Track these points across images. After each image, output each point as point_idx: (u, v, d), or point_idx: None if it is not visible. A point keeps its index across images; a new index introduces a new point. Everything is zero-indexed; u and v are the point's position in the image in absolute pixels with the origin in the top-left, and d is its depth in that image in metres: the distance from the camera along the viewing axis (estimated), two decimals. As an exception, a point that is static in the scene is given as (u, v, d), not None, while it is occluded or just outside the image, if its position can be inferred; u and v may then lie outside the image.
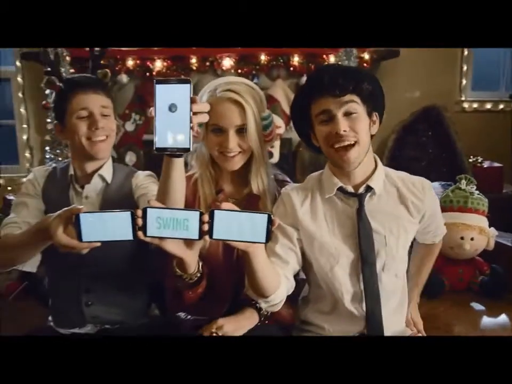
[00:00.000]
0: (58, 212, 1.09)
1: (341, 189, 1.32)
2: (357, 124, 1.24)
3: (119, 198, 1.42)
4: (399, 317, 1.41)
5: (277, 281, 1.22)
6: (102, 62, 1.48)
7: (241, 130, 1.37)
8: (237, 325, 1.32)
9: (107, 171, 1.45)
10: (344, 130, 1.22)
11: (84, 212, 1.00)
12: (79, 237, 1.01)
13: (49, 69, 1.40)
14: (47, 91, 3.14)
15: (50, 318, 1.51)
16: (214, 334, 1.29)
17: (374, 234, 1.30)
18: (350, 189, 1.32)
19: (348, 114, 1.24)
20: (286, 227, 1.32)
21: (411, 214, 1.34)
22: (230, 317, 1.35)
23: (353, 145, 1.24)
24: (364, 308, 1.31)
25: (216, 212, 0.98)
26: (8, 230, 1.35)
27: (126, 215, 0.99)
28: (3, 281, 2.37)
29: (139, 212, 0.96)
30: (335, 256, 1.31)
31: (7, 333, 1.51)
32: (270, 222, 0.98)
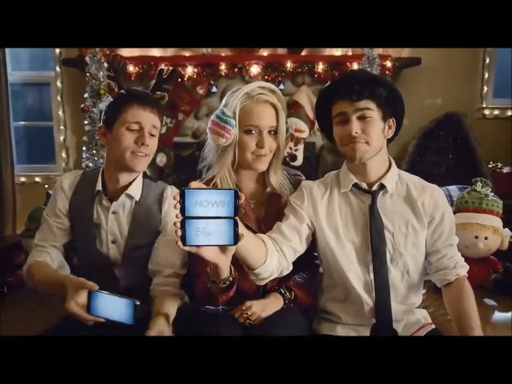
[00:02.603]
0: (77, 280, 1.27)
1: (356, 185, 1.43)
2: (368, 128, 1.35)
3: (147, 216, 1.49)
4: (409, 312, 1.47)
5: (261, 255, 1.27)
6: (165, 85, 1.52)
7: (271, 132, 1.50)
8: (263, 307, 1.43)
9: (135, 189, 1.48)
10: (356, 132, 1.34)
11: (95, 291, 1.23)
12: (88, 310, 1.23)
13: (112, 74, 1.49)
14: (86, 95, 3.33)
15: None
16: (244, 315, 1.41)
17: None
18: (364, 185, 1.43)
19: (361, 118, 1.36)
20: (299, 210, 1.44)
21: (419, 214, 1.42)
22: (257, 300, 1.47)
23: (362, 143, 1.35)
24: (375, 297, 1.40)
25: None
26: (37, 253, 1.48)
27: (129, 303, 1.21)
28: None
29: (178, 224, 0.98)
30: (347, 247, 1.42)
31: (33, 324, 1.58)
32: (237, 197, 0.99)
